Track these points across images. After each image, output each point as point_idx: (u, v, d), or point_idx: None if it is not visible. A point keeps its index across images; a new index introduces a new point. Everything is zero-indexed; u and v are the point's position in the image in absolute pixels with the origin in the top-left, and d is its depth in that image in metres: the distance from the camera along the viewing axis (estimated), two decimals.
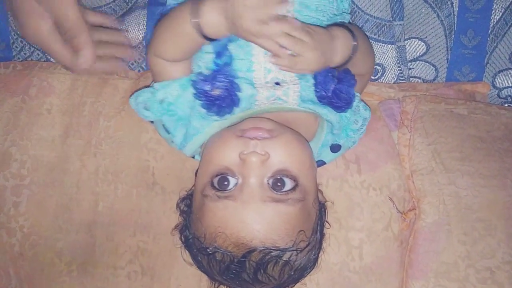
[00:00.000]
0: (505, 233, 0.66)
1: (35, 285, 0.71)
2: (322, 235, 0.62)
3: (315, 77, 0.60)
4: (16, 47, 0.78)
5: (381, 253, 0.69)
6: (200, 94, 0.58)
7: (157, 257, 0.70)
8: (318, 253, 0.61)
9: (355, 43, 0.58)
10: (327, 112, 0.61)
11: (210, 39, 0.57)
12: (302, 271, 0.58)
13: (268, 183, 0.55)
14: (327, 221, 0.65)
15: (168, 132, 0.64)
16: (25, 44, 0.77)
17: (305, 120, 0.63)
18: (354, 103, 0.64)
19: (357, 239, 0.70)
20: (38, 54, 0.78)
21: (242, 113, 0.60)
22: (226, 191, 0.55)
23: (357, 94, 0.64)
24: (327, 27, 0.58)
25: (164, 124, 0.64)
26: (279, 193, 0.55)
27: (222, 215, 0.54)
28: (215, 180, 0.56)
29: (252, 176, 0.55)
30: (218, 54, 0.58)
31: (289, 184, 0.55)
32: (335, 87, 0.59)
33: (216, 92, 0.57)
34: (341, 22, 0.63)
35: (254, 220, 0.53)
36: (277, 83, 0.60)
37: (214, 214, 0.55)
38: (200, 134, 0.61)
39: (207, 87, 0.57)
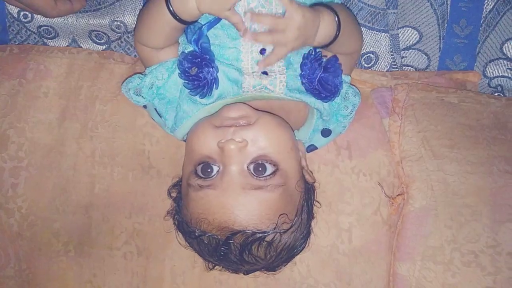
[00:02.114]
0: (490, 219, 0.68)
1: (33, 264, 0.72)
2: (310, 215, 0.63)
3: (301, 67, 0.60)
4: (13, 30, 0.78)
5: (370, 236, 0.71)
6: (182, 73, 0.59)
7: (152, 238, 0.72)
8: (307, 232, 0.62)
9: (338, 23, 0.58)
10: (314, 101, 0.62)
11: (187, 22, 0.58)
12: (291, 251, 0.60)
13: (248, 169, 0.56)
14: (317, 201, 0.66)
15: (160, 115, 0.65)
16: (21, 28, 0.78)
17: (294, 107, 0.64)
18: (344, 89, 0.64)
19: (347, 222, 0.72)
20: (35, 38, 0.79)
21: (230, 98, 0.61)
22: (209, 179, 0.56)
23: (346, 81, 0.65)
24: (313, 5, 0.58)
25: (156, 108, 0.65)
26: (259, 178, 0.56)
27: (203, 203, 0.56)
28: (199, 168, 0.57)
29: (231, 163, 0.56)
30: (195, 41, 0.58)
31: (270, 169, 0.56)
32: (321, 77, 0.59)
33: (194, 71, 0.58)
34: (327, 2, 0.63)
35: (234, 207, 0.55)
36: (265, 73, 0.60)
37: (196, 202, 0.57)
38: (189, 118, 0.63)
39: (186, 66, 0.58)
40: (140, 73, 0.68)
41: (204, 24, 0.59)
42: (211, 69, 0.58)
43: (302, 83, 0.61)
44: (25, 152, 0.73)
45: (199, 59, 0.58)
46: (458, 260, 0.67)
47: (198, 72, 0.58)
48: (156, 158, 0.73)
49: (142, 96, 0.64)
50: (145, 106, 0.67)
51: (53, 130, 0.74)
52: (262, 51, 0.60)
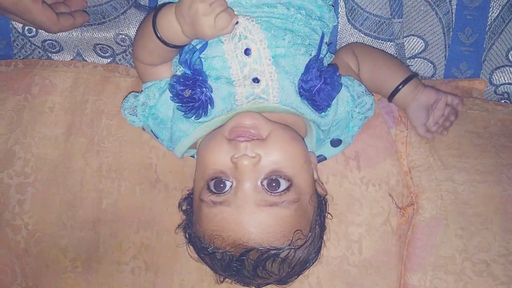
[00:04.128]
0: (500, 227, 0.68)
1: (40, 281, 0.72)
2: (323, 228, 0.63)
3: (305, 73, 0.59)
4: (17, 45, 0.78)
5: (380, 247, 0.71)
6: (175, 96, 0.58)
7: (161, 253, 0.72)
8: (320, 245, 0.62)
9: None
10: (309, 112, 0.60)
11: (177, 46, 0.58)
12: (303, 265, 0.59)
13: (262, 185, 0.55)
14: (328, 213, 0.65)
15: (156, 136, 0.65)
16: (26, 42, 0.78)
17: (293, 119, 0.62)
18: (370, 101, 0.65)
19: (357, 233, 0.71)
20: (39, 52, 0.78)
21: (225, 115, 0.60)
22: (222, 194, 0.56)
23: (371, 95, 0.66)
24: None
25: (151, 129, 0.65)
26: (273, 194, 0.55)
27: (217, 220, 0.55)
28: (211, 184, 0.56)
29: (245, 179, 0.55)
30: (186, 63, 0.58)
31: (283, 184, 0.55)
32: (320, 87, 0.58)
33: (188, 93, 0.57)
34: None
35: (249, 224, 0.54)
36: (256, 80, 0.59)
37: (210, 219, 0.56)
38: (186, 137, 0.62)
39: (179, 89, 0.57)
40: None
41: (196, 45, 0.59)
42: (204, 89, 0.57)
43: (300, 90, 0.59)
44: (31, 168, 0.72)
45: (192, 81, 0.57)
46: (470, 269, 0.67)
47: (192, 94, 0.57)
48: (163, 172, 0.73)
49: (137, 117, 0.64)
50: (143, 128, 0.67)
51: (59, 145, 0.73)
52: (247, 51, 0.58)
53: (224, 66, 0.59)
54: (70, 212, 0.72)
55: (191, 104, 0.57)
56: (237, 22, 0.56)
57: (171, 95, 0.59)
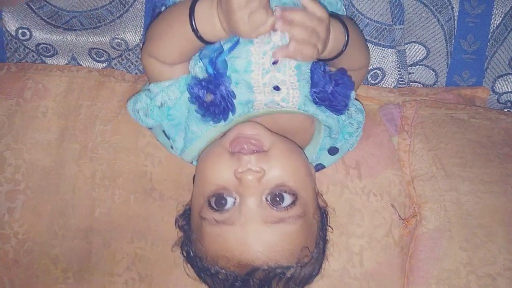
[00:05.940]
0: (506, 240, 0.66)
1: None
2: (325, 242, 0.61)
3: (312, 81, 0.58)
4: (10, 48, 0.76)
5: (382, 259, 0.69)
6: (194, 99, 0.56)
7: (155, 264, 0.69)
8: (322, 261, 0.60)
9: (347, 38, 0.56)
10: (325, 118, 0.59)
11: (208, 42, 0.55)
12: (307, 281, 0.58)
13: (266, 200, 0.53)
14: (329, 226, 0.64)
15: (168, 137, 0.63)
16: (19, 46, 0.76)
17: (301, 124, 0.61)
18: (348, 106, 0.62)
19: (358, 245, 0.69)
20: (33, 56, 0.77)
21: (240, 117, 0.58)
22: (224, 211, 0.53)
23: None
24: None
25: (164, 130, 0.62)
26: (279, 209, 0.53)
27: (221, 240, 0.53)
28: (212, 200, 0.54)
29: (249, 195, 0.53)
30: (211, 62, 0.55)
31: (288, 199, 0.54)
32: (333, 89, 0.57)
33: (209, 98, 0.55)
34: (334, 13, 0.61)
35: (255, 243, 0.52)
36: (276, 88, 0.57)
37: (213, 239, 0.54)
38: (198, 139, 0.60)
39: (200, 93, 0.55)
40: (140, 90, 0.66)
41: (224, 44, 0.56)
42: (227, 95, 0.55)
43: (314, 97, 0.58)
44: (22, 174, 0.70)
45: (214, 85, 0.55)
46: (475, 283, 0.65)
47: (214, 99, 0.55)
48: (158, 180, 0.71)
49: (151, 117, 0.60)
50: (150, 128, 0.65)
51: (52, 151, 0.71)
52: (274, 62, 0.56)
53: (247, 69, 0.56)
54: (62, 220, 0.70)
55: (211, 108, 0.55)
56: (275, 30, 0.53)
57: (191, 97, 0.56)
